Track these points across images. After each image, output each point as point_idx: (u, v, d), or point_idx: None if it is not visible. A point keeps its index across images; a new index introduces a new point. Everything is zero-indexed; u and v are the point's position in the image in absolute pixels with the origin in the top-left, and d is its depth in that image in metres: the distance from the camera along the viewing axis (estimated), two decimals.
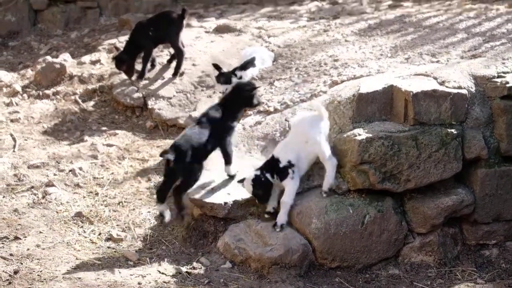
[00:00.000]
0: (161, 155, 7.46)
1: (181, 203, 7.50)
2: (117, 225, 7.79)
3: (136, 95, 10.39)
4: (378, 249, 7.44)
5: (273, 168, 7.25)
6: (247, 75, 9.50)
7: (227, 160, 7.75)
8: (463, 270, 7.51)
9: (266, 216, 7.39)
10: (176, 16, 10.52)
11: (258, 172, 7.25)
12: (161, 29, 10.47)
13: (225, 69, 9.61)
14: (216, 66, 9.46)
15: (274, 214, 7.34)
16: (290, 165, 7.21)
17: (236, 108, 7.83)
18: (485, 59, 8.45)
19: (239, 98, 7.85)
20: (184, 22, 10.54)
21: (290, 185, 7.23)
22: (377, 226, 7.38)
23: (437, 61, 8.76)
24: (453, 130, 7.51)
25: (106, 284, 6.61)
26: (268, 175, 7.23)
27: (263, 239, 7.20)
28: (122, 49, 10.73)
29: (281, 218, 7.25)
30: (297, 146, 7.26)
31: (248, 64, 9.62)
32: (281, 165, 7.23)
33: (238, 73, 9.42)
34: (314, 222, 7.24)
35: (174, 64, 10.66)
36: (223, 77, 9.30)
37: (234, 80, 9.20)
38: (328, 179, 7.35)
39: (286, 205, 7.23)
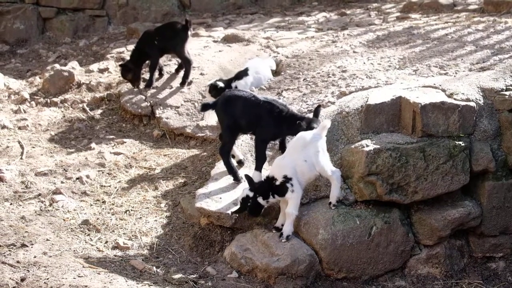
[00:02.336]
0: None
1: None
2: (123, 234, 7.79)
3: (143, 103, 10.41)
4: (385, 261, 7.42)
5: (270, 189, 7.24)
6: (241, 84, 9.61)
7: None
8: (470, 283, 7.49)
9: (274, 231, 7.37)
10: (181, 26, 10.56)
11: (251, 194, 7.24)
12: (166, 39, 10.53)
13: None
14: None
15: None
16: (286, 179, 7.17)
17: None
18: (493, 72, 8.45)
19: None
20: (189, 32, 10.56)
21: (293, 198, 7.19)
22: (384, 238, 7.37)
23: (446, 73, 8.77)
24: (461, 143, 7.51)
25: None
26: (260, 199, 7.24)
27: (269, 249, 7.19)
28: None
29: (287, 229, 7.24)
30: (293, 162, 7.21)
31: (241, 73, 9.77)
32: (277, 183, 7.21)
33: (233, 83, 9.65)
34: (321, 232, 7.23)
35: (182, 73, 10.69)
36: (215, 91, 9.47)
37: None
38: (335, 193, 7.35)
39: (291, 216, 7.22)
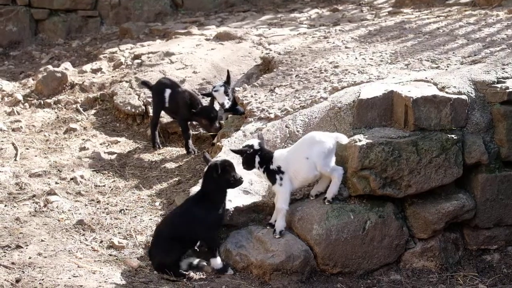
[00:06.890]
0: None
1: None
2: (118, 233, 7.79)
3: (137, 103, 10.42)
4: (379, 255, 7.43)
5: (267, 162, 7.25)
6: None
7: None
8: (465, 275, 7.50)
9: (268, 228, 7.38)
10: None
11: (258, 147, 7.24)
12: None
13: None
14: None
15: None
16: (278, 170, 7.21)
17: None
18: (485, 64, 8.46)
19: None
20: None
21: (280, 192, 7.21)
22: (378, 232, 7.38)
23: (437, 67, 8.76)
24: (453, 136, 7.51)
25: None
26: (257, 157, 7.24)
27: (264, 245, 7.20)
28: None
29: (279, 224, 7.24)
30: (293, 158, 7.24)
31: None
32: (271, 167, 7.24)
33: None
34: (315, 228, 7.24)
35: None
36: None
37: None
38: (333, 189, 7.33)
39: (281, 211, 7.22)
